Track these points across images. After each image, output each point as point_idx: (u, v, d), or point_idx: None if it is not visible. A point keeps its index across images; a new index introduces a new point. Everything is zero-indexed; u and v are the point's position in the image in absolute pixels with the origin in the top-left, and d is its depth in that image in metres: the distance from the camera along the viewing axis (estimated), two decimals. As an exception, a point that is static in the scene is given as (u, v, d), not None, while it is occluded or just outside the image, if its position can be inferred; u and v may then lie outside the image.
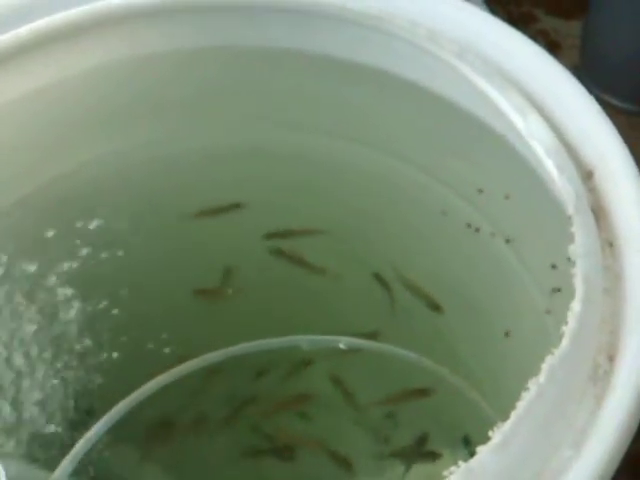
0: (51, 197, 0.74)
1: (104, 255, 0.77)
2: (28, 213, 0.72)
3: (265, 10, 0.68)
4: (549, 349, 0.45)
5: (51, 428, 0.72)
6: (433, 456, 0.81)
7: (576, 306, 0.46)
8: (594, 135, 0.55)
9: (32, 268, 0.73)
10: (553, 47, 1.19)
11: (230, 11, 0.68)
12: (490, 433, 0.42)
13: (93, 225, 0.76)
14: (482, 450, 0.42)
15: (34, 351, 0.72)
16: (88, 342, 0.76)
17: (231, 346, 0.82)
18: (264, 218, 0.82)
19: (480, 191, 0.69)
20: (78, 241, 0.76)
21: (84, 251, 0.76)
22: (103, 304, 0.78)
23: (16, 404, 0.70)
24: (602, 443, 0.43)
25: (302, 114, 0.76)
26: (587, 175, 0.54)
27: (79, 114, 0.72)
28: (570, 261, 0.49)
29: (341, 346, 0.84)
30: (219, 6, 0.68)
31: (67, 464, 0.70)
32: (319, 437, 0.84)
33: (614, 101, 1.06)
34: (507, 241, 0.69)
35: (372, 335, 0.84)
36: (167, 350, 0.83)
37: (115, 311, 0.78)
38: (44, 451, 0.71)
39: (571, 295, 0.47)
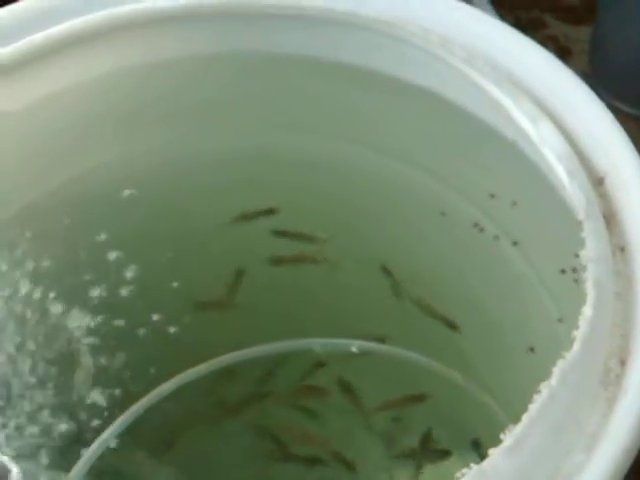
0: (61, 202, 0.74)
1: (113, 259, 0.78)
2: (37, 218, 0.73)
3: (276, 17, 0.68)
4: (560, 354, 0.45)
5: (65, 429, 0.72)
6: (442, 455, 0.81)
7: (587, 310, 0.46)
8: (605, 141, 0.56)
9: (40, 273, 0.74)
10: (563, 53, 1.19)
11: (240, 18, 0.69)
12: (502, 436, 0.43)
13: (103, 231, 0.77)
14: (494, 452, 0.42)
15: (45, 353, 0.73)
16: (101, 343, 0.76)
17: (243, 349, 0.83)
18: (273, 222, 0.83)
19: (491, 196, 0.70)
20: (87, 247, 0.77)
21: (93, 256, 0.77)
22: (114, 304, 0.78)
23: (30, 404, 0.71)
24: (614, 447, 0.44)
25: (313, 120, 0.76)
26: (598, 181, 0.55)
27: (90, 120, 0.72)
28: (581, 266, 0.49)
29: (353, 349, 0.84)
30: (230, 13, 0.69)
31: (82, 465, 0.71)
32: (327, 438, 0.85)
33: (624, 107, 1.07)
34: (514, 244, 0.70)
35: (381, 339, 0.85)
36: (180, 353, 0.83)
37: (125, 315, 0.79)
38: (59, 452, 0.71)
39: (582, 302, 0.47)
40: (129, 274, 0.78)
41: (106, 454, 0.74)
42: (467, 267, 0.76)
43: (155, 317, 0.80)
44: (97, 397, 0.74)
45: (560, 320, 0.63)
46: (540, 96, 0.60)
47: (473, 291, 0.76)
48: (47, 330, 0.74)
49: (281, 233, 0.83)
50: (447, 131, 0.70)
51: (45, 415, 0.71)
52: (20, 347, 0.72)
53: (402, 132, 0.73)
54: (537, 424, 0.43)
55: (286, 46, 0.70)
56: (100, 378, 0.76)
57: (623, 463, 0.43)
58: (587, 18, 1.21)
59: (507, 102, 0.58)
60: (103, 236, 0.77)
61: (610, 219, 0.52)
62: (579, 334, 0.45)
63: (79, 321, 0.75)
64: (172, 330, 0.81)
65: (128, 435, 0.77)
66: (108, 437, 0.74)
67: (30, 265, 0.73)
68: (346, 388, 0.85)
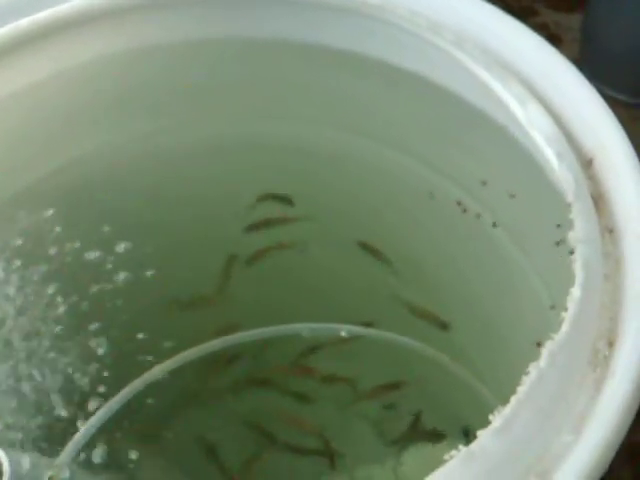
0: (49, 190, 0.74)
1: (99, 247, 0.77)
2: (25, 206, 0.72)
3: (264, 2, 0.68)
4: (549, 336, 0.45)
5: (53, 415, 0.72)
6: (434, 437, 0.81)
7: (576, 292, 0.46)
8: (593, 123, 0.56)
9: (30, 261, 0.73)
10: (554, 41, 1.18)
11: (227, 3, 0.68)
12: (490, 417, 0.43)
13: (91, 218, 0.76)
14: (483, 434, 0.42)
15: (36, 339, 0.73)
16: (90, 330, 0.76)
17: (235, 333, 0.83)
18: (264, 209, 0.82)
19: (482, 181, 0.69)
20: (75, 234, 0.76)
21: (78, 244, 0.76)
22: (103, 293, 0.78)
23: (18, 392, 0.70)
24: (602, 427, 0.44)
25: (302, 105, 0.76)
26: (587, 163, 0.55)
27: (77, 107, 0.72)
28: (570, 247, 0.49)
29: (343, 334, 0.84)
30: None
31: (69, 451, 0.70)
32: (317, 424, 0.85)
33: (614, 93, 1.06)
34: (497, 225, 0.69)
35: (370, 323, 0.85)
36: (168, 340, 0.83)
37: (113, 301, 0.78)
38: (46, 438, 0.71)
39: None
40: (118, 261, 0.78)
41: (94, 441, 0.74)
42: (457, 251, 0.76)
43: (141, 305, 0.79)
44: (84, 384, 0.74)
45: (552, 307, 0.63)
46: (530, 79, 0.60)
47: (464, 276, 0.76)
48: (36, 317, 0.73)
49: (273, 220, 0.83)
50: (437, 115, 0.70)
51: (31, 401, 0.71)
52: (9, 335, 0.71)
53: (392, 116, 0.73)
54: (525, 405, 0.43)
55: (275, 32, 0.70)
56: (88, 365, 0.75)
57: (611, 443, 0.43)
58: (578, 6, 1.20)
59: (496, 85, 0.58)
60: (91, 224, 0.76)
61: (599, 200, 0.52)
62: (568, 315, 0.45)
63: (68, 307, 0.75)
64: (160, 318, 0.81)
65: (117, 422, 0.77)
66: (96, 424, 0.74)
67: (21, 254, 0.72)
68: (335, 374, 0.85)
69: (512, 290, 0.72)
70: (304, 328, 0.84)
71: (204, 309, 0.84)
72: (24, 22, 0.65)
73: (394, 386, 0.83)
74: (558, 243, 0.59)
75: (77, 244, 0.75)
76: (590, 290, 0.47)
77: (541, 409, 0.44)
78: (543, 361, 0.44)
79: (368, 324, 0.84)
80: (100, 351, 0.74)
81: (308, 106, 0.76)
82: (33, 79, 0.68)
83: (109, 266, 0.77)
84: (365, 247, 0.82)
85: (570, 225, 0.49)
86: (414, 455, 0.82)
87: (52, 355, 0.73)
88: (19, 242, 0.72)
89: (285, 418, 0.85)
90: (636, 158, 0.53)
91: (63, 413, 0.71)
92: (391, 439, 0.85)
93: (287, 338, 0.84)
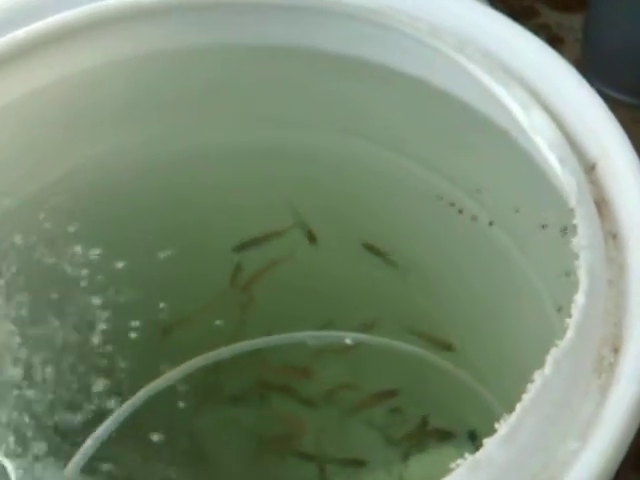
0: (56, 196, 0.74)
1: (101, 254, 0.78)
2: (33, 212, 0.72)
3: (265, 7, 0.68)
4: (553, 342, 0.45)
5: (61, 425, 0.72)
6: (442, 434, 0.81)
7: (580, 298, 0.46)
8: (596, 128, 0.55)
9: (35, 267, 0.73)
10: (555, 41, 1.19)
11: (229, 9, 0.69)
12: (496, 425, 0.43)
13: (91, 226, 0.76)
14: (488, 442, 0.42)
15: (44, 349, 0.73)
16: (96, 338, 0.76)
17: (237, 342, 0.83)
18: (265, 215, 0.82)
19: (484, 185, 0.69)
20: (75, 241, 0.76)
21: (79, 252, 0.76)
22: (108, 299, 0.78)
23: (26, 401, 0.70)
24: (608, 434, 0.44)
25: (304, 111, 0.76)
26: (590, 168, 0.54)
27: (82, 114, 0.72)
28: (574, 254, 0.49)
29: (347, 341, 0.84)
30: (219, 4, 0.69)
31: (78, 460, 0.70)
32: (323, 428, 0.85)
33: (616, 94, 1.06)
34: (514, 239, 0.69)
35: (371, 326, 0.85)
36: (175, 348, 0.83)
37: (117, 309, 0.78)
38: (55, 448, 0.71)
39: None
40: (124, 266, 0.78)
41: (103, 448, 0.74)
42: (460, 255, 0.75)
43: (146, 314, 0.80)
44: (94, 392, 0.74)
45: (559, 310, 0.63)
46: (531, 83, 0.59)
47: (467, 281, 0.76)
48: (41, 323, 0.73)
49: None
50: (438, 119, 0.70)
51: (41, 410, 0.71)
52: (14, 341, 0.71)
53: (393, 121, 0.73)
54: (531, 413, 0.43)
55: (276, 37, 0.70)
56: (97, 373, 0.76)
57: (618, 450, 0.43)
58: (580, 7, 1.20)
59: (499, 90, 0.58)
60: (98, 228, 0.76)
61: (602, 205, 0.52)
62: (572, 322, 0.45)
63: (73, 316, 0.75)
64: (167, 326, 0.81)
65: (125, 429, 0.77)
66: (105, 431, 0.74)
67: (28, 258, 0.72)
68: (339, 380, 0.85)
69: (515, 293, 0.72)
70: (308, 336, 0.84)
71: (206, 319, 0.84)
72: (21, 32, 0.65)
73: (394, 393, 0.83)
74: (561, 247, 0.59)
75: (78, 251, 0.76)
76: (594, 296, 0.47)
77: (547, 416, 0.43)
78: (548, 368, 0.44)
79: (370, 326, 0.84)
80: (105, 361, 0.74)
81: (310, 111, 0.76)
82: (35, 86, 0.68)
83: (108, 274, 0.77)
84: (368, 249, 0.83)
85: (573, 230, 0.49)
86: (420, 461, 0.82)
87: (64, 359, 0.73)
88: (22, 249, 0.72)
89: (291, 426, 0.85)
90: (639, 163, 0.53)
91: (69, 424, 0.71)
92: (397, 443, 0.84)
93: (291, 346, 0.84)
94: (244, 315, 0.85)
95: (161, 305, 0.80)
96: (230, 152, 0.79)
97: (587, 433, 0.44)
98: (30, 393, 0.71)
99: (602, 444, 0.43)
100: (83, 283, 0.75)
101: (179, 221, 0.80)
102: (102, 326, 0.76)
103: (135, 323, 0.77)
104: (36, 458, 0.69)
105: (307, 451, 0.84)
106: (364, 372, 0.86)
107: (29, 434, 0.70)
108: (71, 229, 0.75)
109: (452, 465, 0.42)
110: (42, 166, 0.73)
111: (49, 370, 0.73)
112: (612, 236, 0.51)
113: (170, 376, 0.81)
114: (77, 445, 0.74)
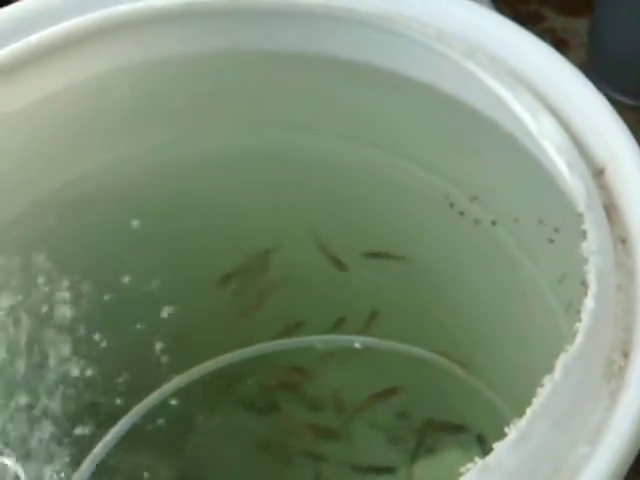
0: (63, 203, 0.74)
1: (113, 259, 0.78)
2: (39, 220, 0.73)
3: (272, 13, 0.68)
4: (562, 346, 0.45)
5: (71, 429, 0.72)
6: (453, 428, 0.81)
7: (589, 303, 0.46)
8: (604, 133, 0.56)
9: (42, 273, 0.74)
10: (561, 45, 1.19)
11: (240, 15, 0.69)
12: (506, 429, 0.43)
13: (104, 231, 0.77)
14: (498, 446, 0.42)
15: (52, 353, 0.73)
16: (104, 342, 0.76)
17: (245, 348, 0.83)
18: (273, 219, 0.83)
19: (491, 190, 0.70)
20: (84, 248, 0.76)
21: (93, 256, 0.76)
22: (114, 304, 0.78)
23: (34, 406, 0.71)
24: (618, 439, 0.44)
25: (313, 116, 0.76)
26: (598, 173, 0.55)
27: (90, 121, 0.72)
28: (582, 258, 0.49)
29: (356, 345, 0.84)
30: (228, 10, 0.69)
31: (88, 465, 0.71)
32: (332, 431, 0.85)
33: (622, 98, 1.06)
34: (521, 244, 0.69)
35: (377, 329, 0.85)
36: (183, 353, 0.83)
37: (126, 314, 0.79)
38: (64, 453, 0.71)
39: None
40: (130, 275, 0.78)
41: (112, 454, 0.74)
42: (469, 260, 0.75)
43: (153, 318, 0.80)
44: (102, 397, 0.74)
45: (566, 310, 0.63)
46: (539, 89, 0.60)
47: (474, 285, 0.76)
48: (48, 330, 0.73)
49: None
50: (446, 125, 0.70)
51: (50, 415, 0.71)
52: (19, 347, 0.72)
53: (401, 126, 0.73)
54: (541, 417, 0.43)
55: (286, 43, 0.70)
56: (104, 377, 0.76)
57: (628, 454, 0.43)
58: (586, 11, 1.21)
59: (507, 95, 0.58)
60: (105, 237, 0.77)
61: (611, 210, 0.52)
62: (581, 327, 0.45)
63: (79, 321, 0.75)
64: (175, 330, 0.81)
65: (134, 434, 0.77)
66: (114, 437, 0.74)
67: (31, 266, 0.73)
68: (348, 383, 0.85)
69: (521, 297, 0.72)
70: (316, 340, 0.84)
71: (215, 325, 0.84)
72: (35, 38, 0.65)
73: (394, 390, 0.83)
74: (569, 251, 0.59)
75: (87, 255, 0.76)
76: (604, 301, 0.47)
77: (557, 421, 0.44)
78: (557, 374, 0.44)
79: (376, 329, 0.84)
80: (111, 366, 0.75)
81: (319, 116, 0.76)
82: (46, 92, 0.68)
83: (117, 279, 0.77)
84: (374, 254, 0.83)
85: (582, 235, 0.49)
86: (428, 464, 0.82)
87: (71, 371, 0.73)
88: (30, 255, 0.73)
89: (299, 430, 0.85)
90: (647, 167, 0.53)
91: (78, 431, 0.71)
92: (403, 445, 0.84)
93: (299, 350, 0.84)
94: (252, 319, 0.86)
95: (170, 310, 0.80)
96: (239, 157, 0.79)
97: (597, 438, 0.44)
98: (40, 398, 0.71)
99: (612, 449, 0.43)
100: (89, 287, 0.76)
101: (187, 227, 0.80)
102: (111, 330, 0.77)
103: (145, 327, 0.77)
104: (46, 463, 0.69)
105: (315, 453, 0.84)
106: (371, 375, 0.86)
107: (38, 440, 0.70)
108: (75, 235, 0.75)
109: (462, 469, 0.42)
110: (51, 172, 0.73)
111: (56, 375, 0.73)
112: (621, 241, 0.51)
113: (179, 381, 0.81)
114: (86, 451, 0.74)
